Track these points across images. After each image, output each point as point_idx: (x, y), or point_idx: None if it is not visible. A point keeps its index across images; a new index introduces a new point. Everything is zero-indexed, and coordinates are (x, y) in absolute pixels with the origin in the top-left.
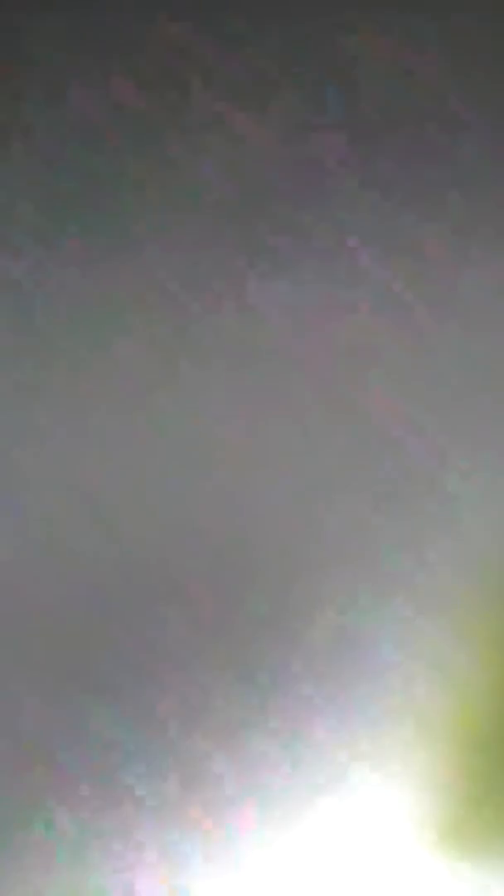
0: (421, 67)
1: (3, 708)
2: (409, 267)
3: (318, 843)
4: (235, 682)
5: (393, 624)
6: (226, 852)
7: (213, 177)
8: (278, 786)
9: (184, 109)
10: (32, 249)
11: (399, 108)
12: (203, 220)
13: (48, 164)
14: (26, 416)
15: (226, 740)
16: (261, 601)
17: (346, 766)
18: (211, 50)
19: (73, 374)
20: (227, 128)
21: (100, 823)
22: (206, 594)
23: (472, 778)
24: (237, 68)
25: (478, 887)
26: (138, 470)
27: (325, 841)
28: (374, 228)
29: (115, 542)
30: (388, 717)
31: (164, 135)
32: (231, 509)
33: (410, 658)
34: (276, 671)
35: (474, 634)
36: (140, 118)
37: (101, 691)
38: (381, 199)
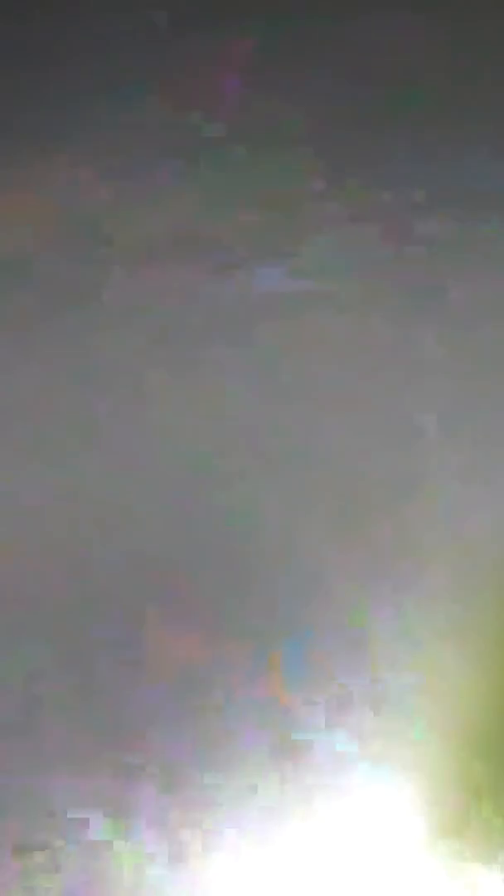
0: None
1: (2, 705)
2: (411, 261)
3: (317, 843)
4: (233, 682)
5: (393, 625)
6: (225, 852)
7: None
8: (276, 785)
9: None
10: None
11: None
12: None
13: None
14: (25, 418)
15: (225, 741)
16: (260, 603)
17: (346, 765)
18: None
19: (71, 375)
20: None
21: (98, 826)
22: (207, 596)
23: (472, 778)
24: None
25: (478, 888)
26: (137, 469)
27: (323, 841)
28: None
29: (113, 543)
30: (388, 717)
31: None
32: (231, 513)
33: (411, 658)
34: (276, 672)
35: (475, 635)
36: None
37: (97, 691)
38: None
